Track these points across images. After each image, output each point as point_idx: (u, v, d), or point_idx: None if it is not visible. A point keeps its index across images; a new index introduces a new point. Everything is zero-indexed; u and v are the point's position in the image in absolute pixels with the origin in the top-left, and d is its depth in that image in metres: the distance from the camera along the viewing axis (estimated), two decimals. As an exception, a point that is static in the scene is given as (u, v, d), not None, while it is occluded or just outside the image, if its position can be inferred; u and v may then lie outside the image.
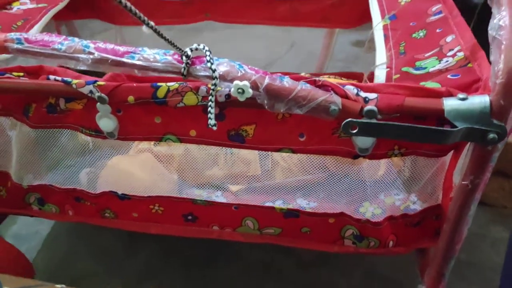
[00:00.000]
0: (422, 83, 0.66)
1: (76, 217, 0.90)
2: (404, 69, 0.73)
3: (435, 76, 0.68)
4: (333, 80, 1.01)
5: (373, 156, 0.68)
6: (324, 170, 0.75)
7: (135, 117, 0.71)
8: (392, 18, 0.92)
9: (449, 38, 0.76)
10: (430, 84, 0.64)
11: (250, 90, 0.59)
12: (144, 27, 0.53)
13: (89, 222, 0.90)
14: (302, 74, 1.09)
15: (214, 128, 0.61)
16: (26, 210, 0.91)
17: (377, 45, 0.85)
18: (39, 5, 1.04)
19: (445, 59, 0.72)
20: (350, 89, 0.61)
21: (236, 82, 0.58)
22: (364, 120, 0.58)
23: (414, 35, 0.84)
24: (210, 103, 0.60)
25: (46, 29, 0.99)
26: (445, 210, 0.75)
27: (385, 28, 0.90)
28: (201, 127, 0.70)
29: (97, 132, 0.73)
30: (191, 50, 0.61)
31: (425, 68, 0.72)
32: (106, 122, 0.70)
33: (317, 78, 0.61)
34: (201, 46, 0.61)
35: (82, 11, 1.21)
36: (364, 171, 0.76)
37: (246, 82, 0.58)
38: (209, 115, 0.60)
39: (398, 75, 0.72)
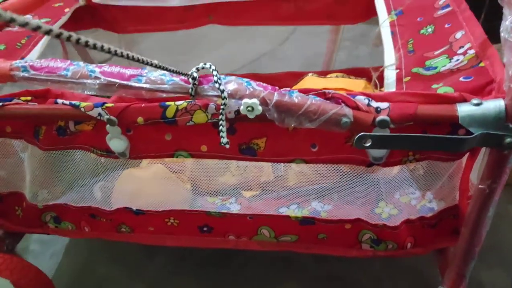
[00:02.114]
0: (434, 86, 0.65)
1: (92, 233, 0.90)
2: (414, 70, 0.72)
3: (446, 77, 0.67)
4: (343, 82, 1.00)
5: (387, 163, 0.67)
6: (338, 175, 0.74)
7: (146, 135, 0.70)
8: (399, 13, 0.90)
9: (458, 34, 0.75)
10: (443, 89, 0.62)
11: (260, 107, 0.58)
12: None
13: (105, 238, 0.90)
14: (310, 75, 1.08)
15: (227, 146, 0.60)
16: (43, 228, 0.92)
17: (384, 43, 0.83)
18: (42, 20, 1.03)
19: (455, 58, 0.70)
20: (361, 100, 0.59)
21: (245, 100, 0.58)
22: (377, 133, 0.58)
23: (422, 31, 0.82)
24: (221, 122, 0.60)
25: (51, 44, 0.99)
26: (463, 210, 0.74)
27: (392, 24, 0.88)
28: (212, 142, 0.70)
29: (109, 153, 0.73)
30: (197, 70, 0.60)
31: (435, 67, 0.71)
32: (117, 142, 0.70)
33: (326, 91, 0.60)
34: (208, 65, 0.60)
35: (84, 21, 1.21)
36: (379, 173, 0.75)
37: (255, 100, 0.58)
38: (221, 133, 0.60)
39: (409, 78, 0.70)
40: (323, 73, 1.13)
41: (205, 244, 0.88)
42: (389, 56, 0.79)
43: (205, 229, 0.86)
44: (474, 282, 0.94)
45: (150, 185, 0.82)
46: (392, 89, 0.69)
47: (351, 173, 0.72)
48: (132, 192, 0.83)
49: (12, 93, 0.72)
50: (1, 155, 0.84)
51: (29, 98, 0.72)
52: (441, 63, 0.71)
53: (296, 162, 0.70)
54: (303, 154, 0.69)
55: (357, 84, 1.01)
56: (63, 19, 1.05)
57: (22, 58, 0.88)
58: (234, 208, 0.86)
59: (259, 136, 0.68)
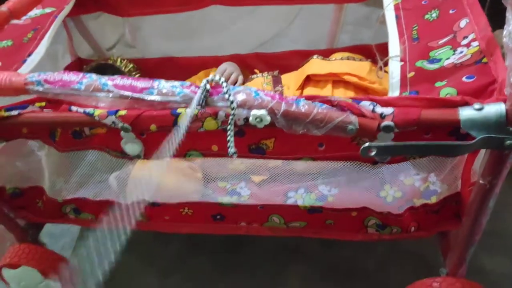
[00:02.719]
0: (438, 84, 0.67)
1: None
2: (418, 64, 0.73)
3: (450, 73, 0.68)
4: (348, 65, 1.00)
5: (392, 161, 0.69)
6: (345, 168, 0.77)
7: (159, 138, 0.73)
8: None
9: (463, 23, 0.75)
10: (446, 90, 0.64)
11: (268, 118, 0.60)
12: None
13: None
14: (315, 56, 1.09)
15: (234, 156, 0.63)
16: (63, 219, 0.96)
17: (389, 29, 0.84)
18: (46, 10, 1.03)
19: (459, 50, 0.71)
20: (366, 106, 0.61)
21: (254, 111, 0.60)
22: (381, 143, 0.60)
23: (426, 16, 0.82)
24: (229, 132, 0.62)
25: (56, 33, 0.99)
26: (464, 198, 0.77)
27: (396, 8, 0.88)
28: (222, 143, 0.72)
29: (123, 154, 0.76)
30: (207, 81, 0.62)
31: (439, 60, 0.72)
32: (131, 146, 0.73)
33: (332, 98, 0.62)
34: (217, 78, 0.62)
35: (88, 5, 1.20)
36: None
37: (263, 111, 0.60)
38: (229, 143, 0.62)
39: (413, 73, 0.71)
40: (327, 53, 1.13)
41: (218, 230, 0.92)
42: (394, 45, 0.79)
43: (218, 217, 0.90)
44: (476, 268, 0.97)
45: (163, 176, 0.85)
46: (396, 88, 0.70)
47: (357, 167, 0.74)
48: (146, 182, 0.86)
49: (26, 100, 0.74)
50: (19, 153, 0.88)
51: (43, 103, 0.74)
52: (445, 55, 0.72)
53: (304, 159, 0.73)
54: (310, 153, 0.71)
55: (362, 67, 1.02)
56: (67, 8, 1.05)
57: (30, 53, 0.89)
58: (245, 192, 0.90)
59: (267, 137, 0.70)
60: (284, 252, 1.14)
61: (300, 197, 0.88)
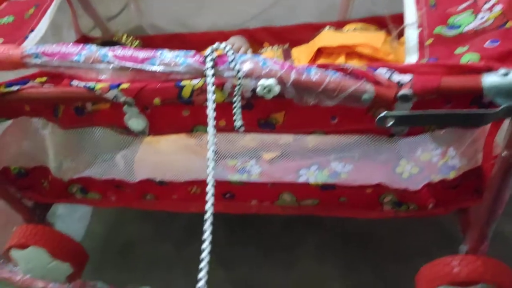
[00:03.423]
0: (458, 50, 0.62)
1: (118, 202, 0.93)
2: (437, 30, 0.68)
3: (470, 39, 0.64)
4: (362, 37, 0.96)
5: (410, 133, 0.66)
6: (359, 143, 0.73)
7: (164, 113, 0.70)
8: None
9: (484, -15, 0.70)
10: (468, 56, 0.60)
11: (277, 88, 0.57)
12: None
13: (132, 206, 0.93)
14: (327, 28, 1.04)
15: (241, 129, 0.60)
16: (70, 199, 0.94)
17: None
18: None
19: (480, 15, 0.67)
20: (382, 74, 0.58)
21: (261, 81, 0.57)
22: (399, 112, 0.56)
23: None
24: (236, 103, 0.59)
25: (59, 9, 0.96)
26: (486, 172, 0.74)
27: None
28: (230, 118, 0.69)
29: (128, 130, 0.73)
30: (212, 50, 0.58)
31: (459, 26, 0.67)
32: (135, 122, 0.70)
33: (346, 66, 0.58)
34: (222, 46, 0.58)
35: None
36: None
37: (272, 81, 0.56)
38: (236, 116, 0.59)
39: (431, 39, 0.67)
40: (340, 25, 1.09)
41: (228, 209, 0.90)
42: (410, 12, 0.75)
43: (227, 195, 0.87)
44: (498, 235, 0.94)
45: (171, 150, 0.83)
46: (414, 54, 0.66)
47: (372, 141, 0.71)
48: (154, 160, 0.83)
49: (27, 75, 0.71)
50: (23, 132, 0.85)
51: (44, 79, 0.71)
52: (466, 21, 0.67)
53: (316, 133, 0.69)
54: (322, 126, 0.68)
55: (377, 38, 0.97)
56: None
57: (32, 29, 0.86)
58: (255, 170, 0.87)
59: (277, 110, 0.67)
60: (299, 222, 1.12)
61: (312, 175, 0.84)
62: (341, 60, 0.97)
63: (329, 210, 0.85)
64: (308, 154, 0.84)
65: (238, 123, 0.59)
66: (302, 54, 1.03)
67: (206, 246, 0.51)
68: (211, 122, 0.56)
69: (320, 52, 1.01)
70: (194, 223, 1.16)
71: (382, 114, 0.55)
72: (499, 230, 0.97)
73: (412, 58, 0.65)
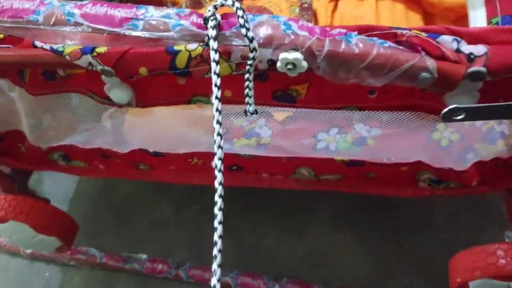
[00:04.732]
0: None
1: (108, 171, 0.80)
2: None
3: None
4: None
5: (470, 114, 0.51)
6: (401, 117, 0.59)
7: (153, 81, 0.55)
8: None
9: None
10: None
11: (305, 64, 0.42)
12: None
13: (123, 177, 0.81)
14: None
15: (255, 116, 0.46)
16: (52, 166, 0.82)
17: None
18: None
19: None
20: (448, 43, 0.42)
21: (283, 54, 0.41)
22: (475, 106, 0.41)
23: None
24: (247, 82, 0.44)
25: None
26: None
27: None
28: (238, 87, 0.54)
29: (111, 100, 0.58)
30: (216, 8, 0.42)
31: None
32: (118, 93, 0.55)
33: (399, 30, 0.42)
34: (229, 2, 0.42)
35: None
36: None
37: (297, 54, 0.41)
38: (247, 99, 0.45)
39: None
40: None
41: (235, 181, 0.77)
42: None
43: (234, 168, 0.75)
44: None
45: (165, 127, 0.69)
46: (480, 8, 0.50)
47: (418, 119, 0.57)
48: (144, 136, 0.70)
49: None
50: (-13, 93, 0.71)
51: (1, 36, 0.56)
52: None
53: (347, 109, 0.55)
54: (357, 101, 0.54)
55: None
56: None
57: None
58: (265, 133, 0.73)
59: (299, 81, 0.52)
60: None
61: (333, 140, 0.71)
62: (370, 1, 0.79)
63: (353, 186, 0.73)
64: (328, 115, 0.71)
65: (250, 108, 0.45)
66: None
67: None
68: (216, 115, 0.41)
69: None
70: (195, 186, 1.04)
71: (452, 107, 0.41)
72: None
73: (478, 14, 0.49)
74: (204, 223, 1.00)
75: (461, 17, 0.79)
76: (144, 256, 0.97)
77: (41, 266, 1.00)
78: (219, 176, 0.41)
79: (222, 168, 0.41)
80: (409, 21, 0.77)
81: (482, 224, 0.93)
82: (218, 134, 0.41)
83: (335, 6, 0.82)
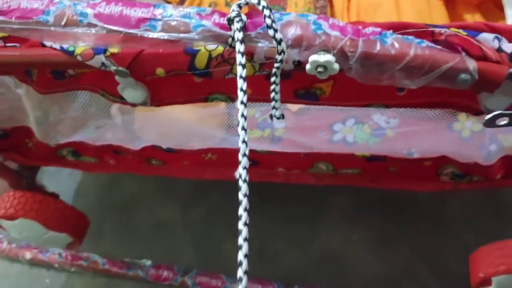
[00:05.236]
0: None
1: (119, 166, 0.78)
2: None
3: None
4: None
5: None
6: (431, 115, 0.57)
7: (169, 80, 0.52)
8: None
9: None
10: None
11: (336, 66, 0.39)
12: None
13: (135, 172, 0.78)
14: None
15: (281, 120, 0.43)
16: (61, 162, 0.80)
17: None
18: None
19: None
20: (489, 41, 0.39)
21: (313, 57, 0.39)
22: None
23: None
24: (273, 86, 0.41)
25: None
26: None
27: None
28: (259, 85, 0.52)
29: (123, 99, 0.56)
30: (240, 7, 0.39)
31: None
32: (132, 93, 0.53)
33: (437, 29, 0.39)
34: (255, 0, 0.39)
35: None
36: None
37: (329, 57, 0.38)
38: (273, 103, 0.42)
39: None
40: None
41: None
42: None
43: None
44: None
45: (179, 124, 0.66)
46: None
47: (448, 116, 0.54)
48: (157, 133, 0.67)
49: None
50: (-6, 89, 0.68)
51: (6, 34, 0.53)
52: None
53: (374, 106, 0.53)
54: (384, 99, 0.51)
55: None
56: None
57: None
58: (279, 124, 0.71)
59: (324, 80, 0.49)
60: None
61: (350, 131, 0.69)
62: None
63: (373, 180, 0.71)
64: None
65: (277, 112, 0.43)
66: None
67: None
68: (241, 121, 0.39)
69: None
70: (202, 186, 1.02)
71: (495, 113, 0.38)
72: None
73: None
74: (210, 226, 0.97)
75: (484, 1, 0.76)
76: (149, 262, 0.93)
77: (41, 272, 0.96)
78: (243, 187, 0.38)
79: (247, 178, 0.39)
80: (430, 7, 0.73)
81: (501, 224, 0.90)
82: (243, 141, 0.39)
83: (350, -1, 0.79)
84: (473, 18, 0.74)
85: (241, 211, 0.37)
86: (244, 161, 0.39)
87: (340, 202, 0.96)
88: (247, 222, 0.38)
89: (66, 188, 1.02)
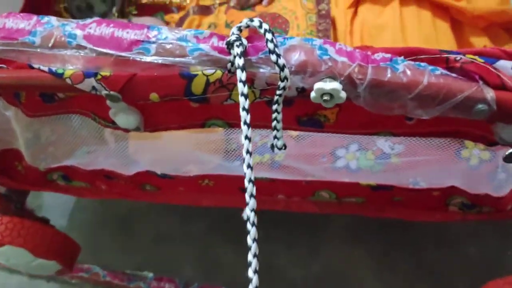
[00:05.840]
0: None
1: (111, 192, 0.75)
2: None
3: None
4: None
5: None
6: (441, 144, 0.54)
7: (163, 104, 0.49)
8: None
9: None
10: None
11: (343, 94, 0.36)
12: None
13: (128, 198, 0.75)
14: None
15: (282, 151, 0.40)
16: (51, 187, 0.76)
17: None
18: None
19: None
20: (507, 69, 0.37)
21: (319, 85, 0.36)
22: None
23: None
24: (275, 114, 0.38)
25: None
26: None
27: None
28: (259, 113, 0.49)
29: (115, 124, 0.53)
30: (240, 30, 0.37)
31: None
32: (125, 118, 0.50)
33: (451, 55, 0.37)
34: (256, 23, 0.36)
35: None
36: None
37: (336, 85, 0.35)
38: (275, 132, 0.39)
39: None
40: None
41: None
42: None
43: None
44: None
45: (174, 150, 0.63)
46: None
47: (451, 141, 0.51)
48: (152, 159, 0.64)
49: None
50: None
51: (-9, 54, 0.50)
52: None
53: (381, 135, 0.50)
54: (392, 127, 0.48)
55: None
56: None
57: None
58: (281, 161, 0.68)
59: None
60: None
61: (353, 157, 0.66)
62: (393, 5, 0.74)
63: (378, 210, 0.68)
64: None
65: (279, 142, 0.40)
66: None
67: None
68: (247, 159, 0.36)
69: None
70: None
71: (515, 150, 0.35)
72: None
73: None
74: (212, 240, 0.95)
75: (491, 24, 0.73)
76: (150, 275, 0.91)
77: (40, 284, 0.94)
78: (252, 231, 0.35)
79: (255, 221, 0.36)
80: (437, 30, 0.71)
81: (504, 240, 0.89)
82: (250, 180, 0.36)
83: (355, 13, 0.76)
84: (480, 41, 0.72)
85: (250, 257, 0.34)
86: (251, 203, 0.35)
87: (343, 218, 0.95)
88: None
89: (65, 200, 1.01)
